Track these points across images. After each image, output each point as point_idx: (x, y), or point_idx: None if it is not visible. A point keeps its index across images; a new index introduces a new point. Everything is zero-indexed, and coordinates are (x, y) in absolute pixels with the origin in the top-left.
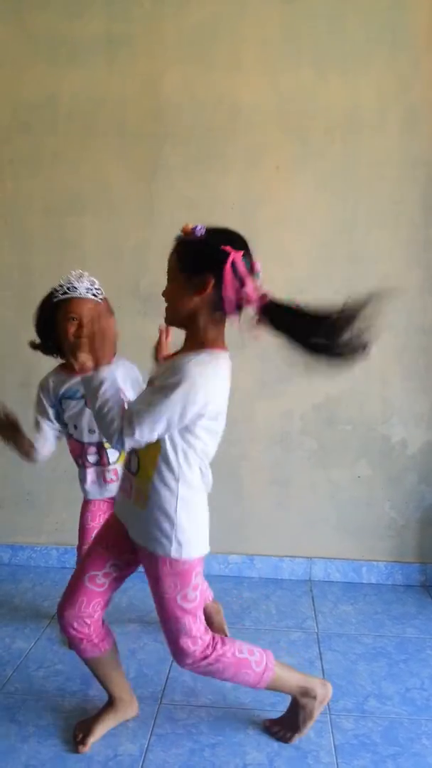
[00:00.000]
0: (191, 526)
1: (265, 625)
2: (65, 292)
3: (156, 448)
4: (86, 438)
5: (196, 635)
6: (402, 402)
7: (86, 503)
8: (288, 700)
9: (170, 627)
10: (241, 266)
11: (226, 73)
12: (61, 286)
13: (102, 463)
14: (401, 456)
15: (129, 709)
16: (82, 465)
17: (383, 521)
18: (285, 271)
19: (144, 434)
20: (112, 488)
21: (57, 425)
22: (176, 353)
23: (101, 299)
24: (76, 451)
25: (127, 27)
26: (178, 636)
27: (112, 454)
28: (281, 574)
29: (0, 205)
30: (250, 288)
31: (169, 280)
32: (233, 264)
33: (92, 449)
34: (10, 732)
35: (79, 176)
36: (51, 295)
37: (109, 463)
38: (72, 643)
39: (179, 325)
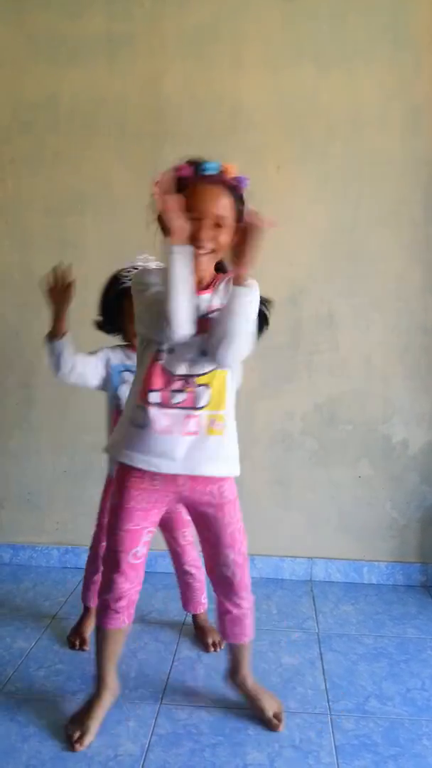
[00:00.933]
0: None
1: (266, 625)
2: None
3: (224, 375)
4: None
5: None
6: (403, 402)
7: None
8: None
9: (241, 557)
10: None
11: (227, 72)
12: (129, 271)
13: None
14: (402, 456)
15: (112, 696)
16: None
17: (384, 521)
18: (286, 270)
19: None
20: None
21: (101, 369)
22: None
23: None
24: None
25: (128, 26)
26: (244, 566)
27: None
28: (282, 574)
29: (0, 204)
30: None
31: (224, 227)
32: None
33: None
34: (10, 732)
35: (79, 176)
36: (117, 280)
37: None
38: (107, 617)
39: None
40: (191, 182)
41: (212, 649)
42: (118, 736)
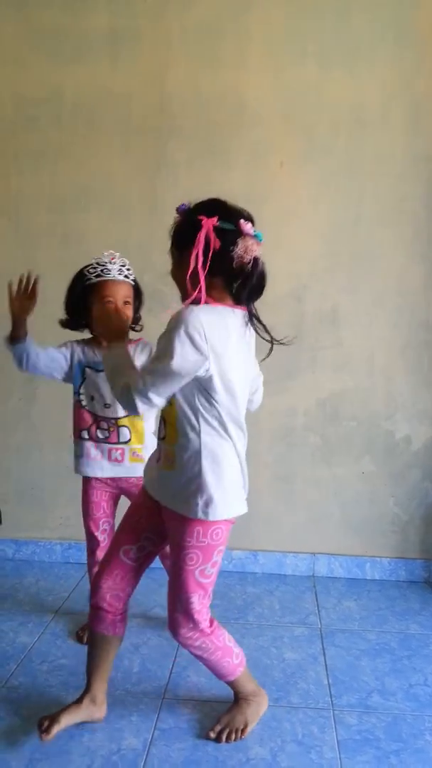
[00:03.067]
0: (218, 486)
1: (269, 621)
2: (99, 275)
3: (178, 410)
4: (100, 411)
5: (201, 611)
6: (406, 398)
7: (86, 481)
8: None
9: (179, 597)
10: (204, 233)
11: (231, 68)
12: (94, 268)
13: (111, 440)
14: (405, 452)
15: (97, 711)
16: (87, 438)
17: (387, 517)
18: (289, 266)
19: (159, 392)
20: (118, 470)
21: (63, 365)
22: None
23: (132, 280)
24: (86, 423)
25: (131, 22)
26: (185, 608)
27: (123, 434)
28: (285, 569)
29: (4, 200)
30: (243, 245)
31: (172, 262)
32: (214, 228)
33: (104, 424)
34: (14, 726)
35: (83, 171)
36: (82, 276)
37: (118, 442)
38: (96, 617)
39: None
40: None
41: None
42: (121, 730)
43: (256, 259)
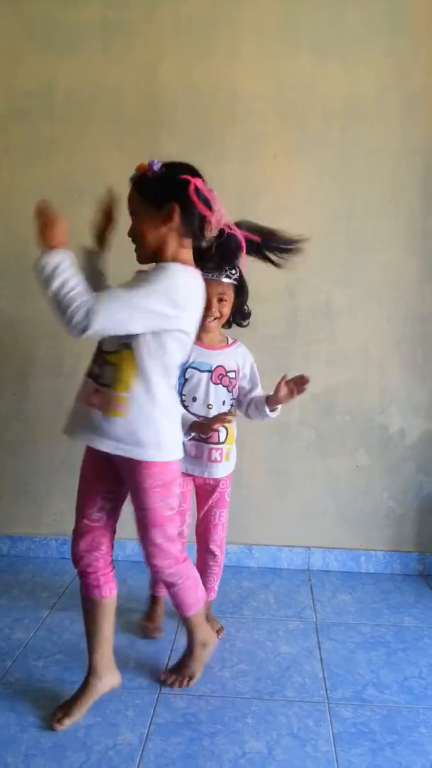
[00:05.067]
0: (169, 432)
1: (264, 615)
2: None
3: (137, 359)
4: (203, 412)
5: (174, 539)
6: (400, 391)
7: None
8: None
9: (152, 532)
10: (205, 190)
11: (224, 60)
12: None
13: (211, 440)
14: (399, 445)
15: (104, 684)
16: (190, 437)
17: (381, 511)
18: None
19: (109, 320)
20: (212, 469)
21: None
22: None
23: (235, 280)
24: None
25: (124, 14)
26: (159, 540)
27: (222, 433)
28: (280, 563)
29: None
30: (217, 209)
31: (134, 217)
32: (196, 189)
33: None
34: (10, 722)
35: (75, 165)
36: None
37: (219, 441)
38: (82, 579)
39: (151, 260)
40: None
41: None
42: (116, 725)
43: (227, 227)
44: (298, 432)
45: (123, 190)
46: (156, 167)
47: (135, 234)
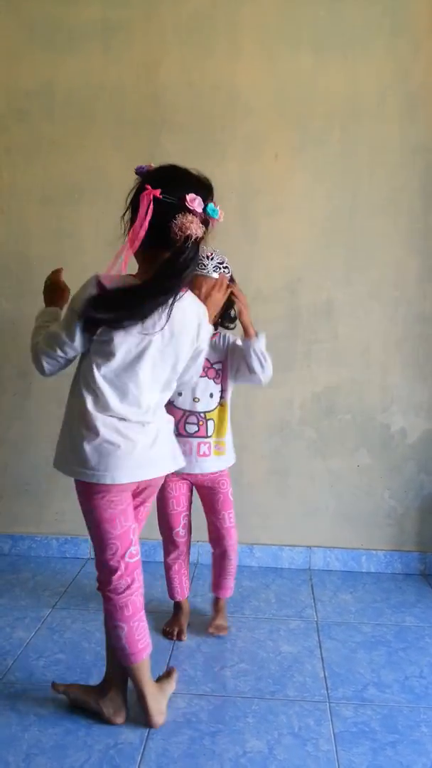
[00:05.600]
0: (88, 448)
1: (265, 614)
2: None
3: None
4: (188, 406)
5: (105, 567)
6: (401, 391)
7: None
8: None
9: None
10: (144, 204)
11: (225, 59)
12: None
13: (200, 434)
14: (401, 445)
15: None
16: (176, 434)
17: (382, 510)
18: (283, 259)
19: (40, 348)
20: (203, 464)
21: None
22: None
23: (229, 279)
24: (175, 418)
25: (124, 13)
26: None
27: (210, 425)
28: (281, 563)
29: None
30: (178, 223)
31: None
32: (150, 201)
33: (192, 418)
34: (11, 721)
35: (76, 164)
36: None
37: (206, 435)
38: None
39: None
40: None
41: (222, 632)
42: (118, 725)
43: (190, 238)
44: (299, 431)
45: (124, 190)
46: (138, 172)
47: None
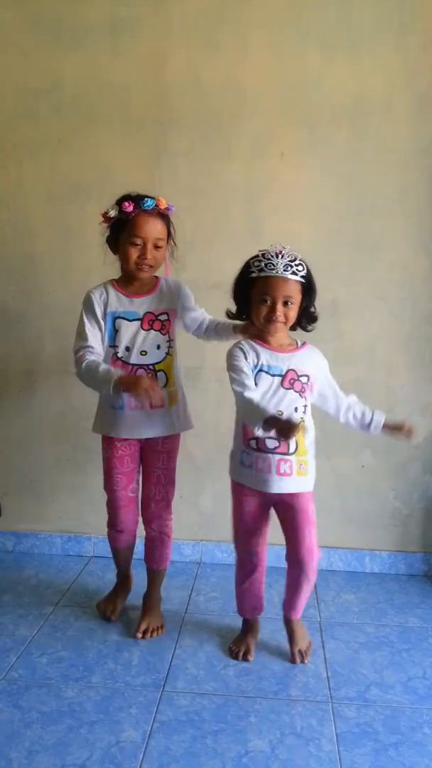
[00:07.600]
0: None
1: (268, 614)
2: (262, 269)
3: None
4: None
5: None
6: (407, 391)
7: (240, 490)
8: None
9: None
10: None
11: (232, 57)
12: (259, 261)
13: (278, 450)
14: (406, 446)
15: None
16: (256, 449)
17: (387, 511)
18: None
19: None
20: (282, 484)
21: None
22: None
23: (302, 277)
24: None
25: (132, 11)
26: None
27: (292, 443)
28: (284, 562)
29: (3, 191)
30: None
31: (161, 247)
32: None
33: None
34: (13, 718)
35: (82, 162)
36: (248, 267)
37: (288, 452)
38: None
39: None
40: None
41: (307, 659)
42: (120, 722)
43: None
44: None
45: (130, 188)
46: (172, 210)
47: (159, 261)
